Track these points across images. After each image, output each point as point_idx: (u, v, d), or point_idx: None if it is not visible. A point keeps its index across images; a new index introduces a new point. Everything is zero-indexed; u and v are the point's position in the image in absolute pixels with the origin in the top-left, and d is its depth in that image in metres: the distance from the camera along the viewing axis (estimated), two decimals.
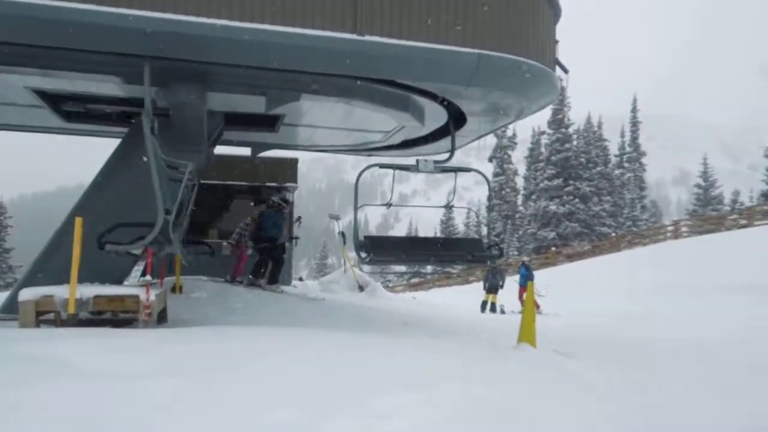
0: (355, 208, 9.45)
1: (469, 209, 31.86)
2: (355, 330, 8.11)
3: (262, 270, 11.90)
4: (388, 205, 10.10)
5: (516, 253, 45.41)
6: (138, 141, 9.31)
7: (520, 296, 18.36)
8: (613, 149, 53.24)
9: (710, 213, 43.79)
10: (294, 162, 14.98)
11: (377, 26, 7.91)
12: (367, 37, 7.81)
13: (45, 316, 6.88)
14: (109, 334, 5.35)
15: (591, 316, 15.05)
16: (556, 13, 9.26)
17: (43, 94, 8.92)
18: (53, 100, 9.29)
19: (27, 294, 6.35)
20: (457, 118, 10.29)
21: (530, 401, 4.59)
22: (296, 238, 14.62)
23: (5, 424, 3.15)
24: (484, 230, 51.92)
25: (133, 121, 9.54)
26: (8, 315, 8.02)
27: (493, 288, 19.40)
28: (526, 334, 6.82)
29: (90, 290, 6.46)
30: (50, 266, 8.52)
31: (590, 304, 18.77)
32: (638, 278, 22.99)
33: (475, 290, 22.63)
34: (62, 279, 7.73)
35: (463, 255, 9.69)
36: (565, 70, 9.54)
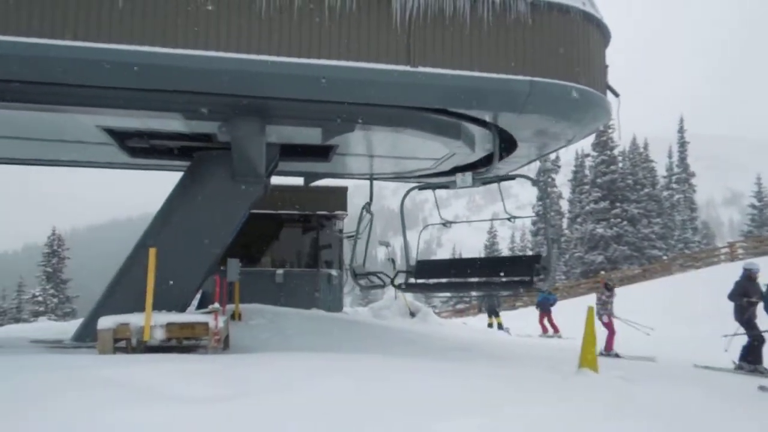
0: (404, 233, 9.58)
1: (539, 212, 31.30)
2: (411, 355, 8.20)
3: None
4: (446, 223, 10.05)
5: (564, 277, 44.66)
6: (199, 174, 9.76)
7: (540, 320, 18.99)
8: (660, 170, 52.19)
9: (766, 234, 42.30)
10: (343, 190, 15.26)
11: (429, 57, 8.16)
12: (420, 69, 8.06)
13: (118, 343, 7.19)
14: (182, 360, 5.58)
15: (650, 342, 14.70)
16: (605, 37, 9.32)
17: (111, 132, 9.40)
18: (120, 137, 9.78)
19: (105, 322, 6.68)
20: (506, 145, 10.39)
21: (594, 427, 4.57)
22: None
23: None
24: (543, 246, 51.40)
25: (195, 155, 9.94)
26: (82, 343, 8.40)
27: (492, 310, 20.15)
28: (588, 359, 6.78)
29: (163, 318, 6.75)
30: (119, 295, 8.89)
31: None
32: (694, 302, 22.32)
33: (524, 315, 22.42)
34: (130, 307, 8.10)
35: (521, 277, 9.20)
36: (616, 94, 9.57)
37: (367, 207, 10.84)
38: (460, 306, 41.05)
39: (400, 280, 10.37)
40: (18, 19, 7.00)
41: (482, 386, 5.51)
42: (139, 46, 7.37)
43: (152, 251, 6.85)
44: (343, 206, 15.15)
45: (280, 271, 13.37)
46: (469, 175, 9.50)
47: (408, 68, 8.04)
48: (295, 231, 14.96)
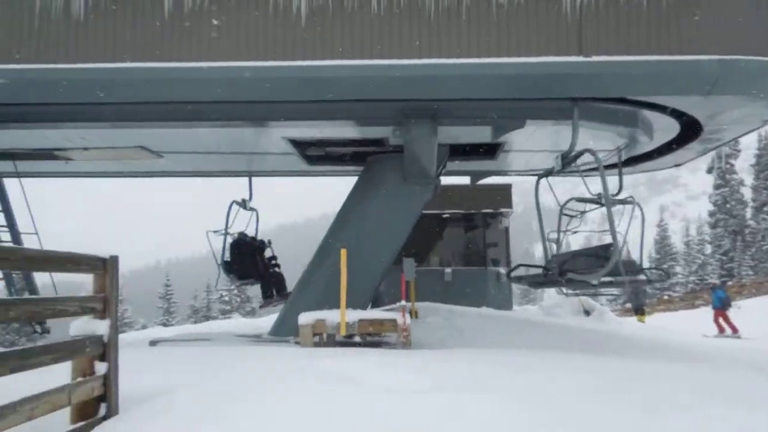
0: (540, 225, 9.24)
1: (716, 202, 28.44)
2: (593, 353, 7.92)
3: None
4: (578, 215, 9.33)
5: (751, 273, 40.38)
6: (372, 178, 10.22)
7: (716, 319, 17.80)
8: None
9: None
10: (507, 188, 15.11)
11: (603, 45, 7.85)
12: (594, 58, 7.79)
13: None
14: (379, 354, 5.90)
15: None
16: None
17: (294, 142, 10.16)
18: (301, 147, 10.53)
19: (305, 318, 7.26)
20: (685, 131, 9.71)
21: None
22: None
23: (332, 424, 3.67)
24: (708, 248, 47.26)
25: (367, 159, 10.43)
26: (278, 337, 9.20)
27: (638, 307, 19.38)
28: None
29: (355, 315, 7.17)
30: (307, 293, 9.60)
31: None
32: None
33: (704, 314, 20.71)
34: (316, 305, 8.71)
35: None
36: None
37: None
38: (629, 305, 38.70)
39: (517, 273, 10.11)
40: (227, 45, 7.82)
41: (690, 387, 5.20)
42: (320, 60, 7.92)
43: (343, 252, 7.33)
44: (508, 203, 15.01)
45: (448, 269, 13.57)
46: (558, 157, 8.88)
47: (580, 59, 7.82)
48: (460, 230, 15.10)
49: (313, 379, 4.43)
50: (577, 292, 10.20)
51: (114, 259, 4.14)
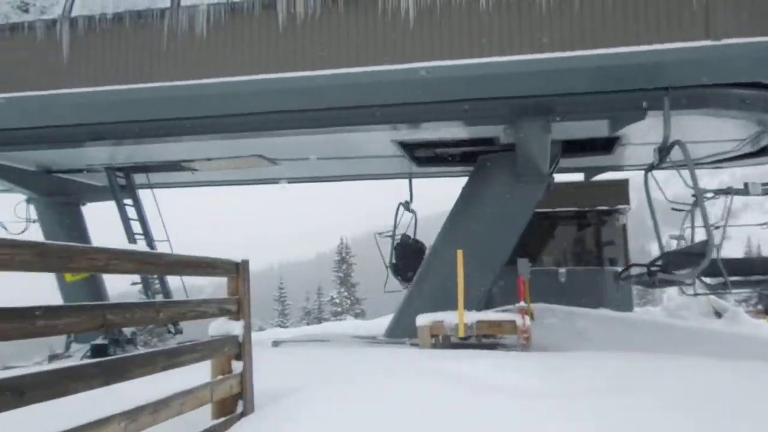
0: (654, 220, 8.62)
1: None
2: (732, 359, 7.33)
3: None
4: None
5: None
6: (483, 177, 10.09)
7: None
8: None
9: None
10: (624, 183, 14.39)
11: (733, 27, 7.29)
12: (724, 41, 7.25)
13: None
14: (499, 356, 5.79)
15: None
16: None
17: (403, 145, 10.24)
18: (410, 149, 10.59)
19: (423, 320, 7.29)
20: None
21: None
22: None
23: (454, 426, 3.63)
24: None
25: (477, 159, 10.31)
26: (393, 339, 9.30)
27: None
28: None
29: (473, 316, 7.10)
30: (421, 295, 9.62)
31: None
32: None
33: None
34: (430, 306, 8.70)
35: None
36: None
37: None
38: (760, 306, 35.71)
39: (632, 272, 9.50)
40: (337, 53, 8.04)
41: None
42: (428, 62, 7.93)
43: (459, 253, 7.28)
44: (625, 199, 14.29)
45: (562, 269, 13.12)
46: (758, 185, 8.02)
47: (708, 42, 7.30)
48: (573, 228, 14.55)
49: (436, 382, 4.40)
50: (705, 291, 9.50)
51: (245, 263, 4.34)
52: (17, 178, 11.31)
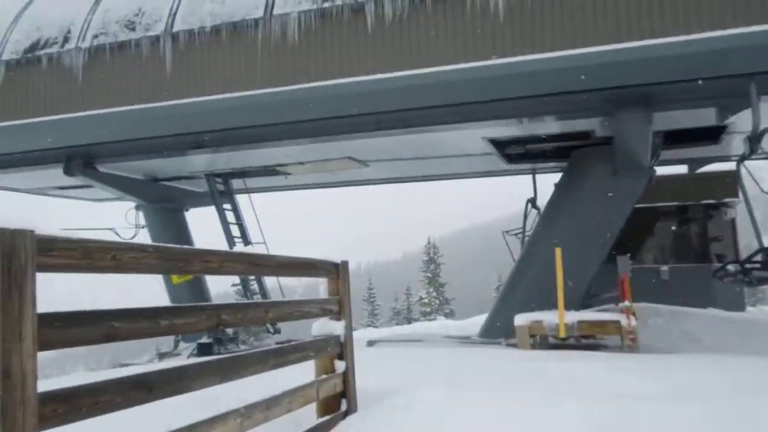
0: (749, 209, 7.93)
1: None
2: None
3: None
4: None
5: None
6: (579, 173, 9.74)
7: None
8: None
9: None
10: (732, 175, 13.44)
11: None
12: None
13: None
14: (607, 358, 5.56)
15: None
16: None
17: (494, 142, 10.07)
18: (501, 146, 10.40)
19: (521, 320, 7.13)
20: None
21: None
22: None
23: (565, 429, 3.50)
24: None
25: (572, 154, 9.98)
26: (487, 339, 9.17)
27: None
28: None
29: (573, 316, 6.87)
30: (514, 294, 9.43)
31: None
32: None
33: None
34: (525, 306, 8.51)
35: None
36: None
37: None
38: None
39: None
40: (426, 52, 8.03)
41: None
42: (521, 56, 7.75)
43: (557, 251, 7.07)
44: (734, 192, 13.35)
45: (664, 267, 12.45)
46: None
47: None
48: (677, 224, 13.76)
49: (541, 382, 4.28)
50: None
51: (345, 264, 4.40)
52: (127, 187, 12.07)
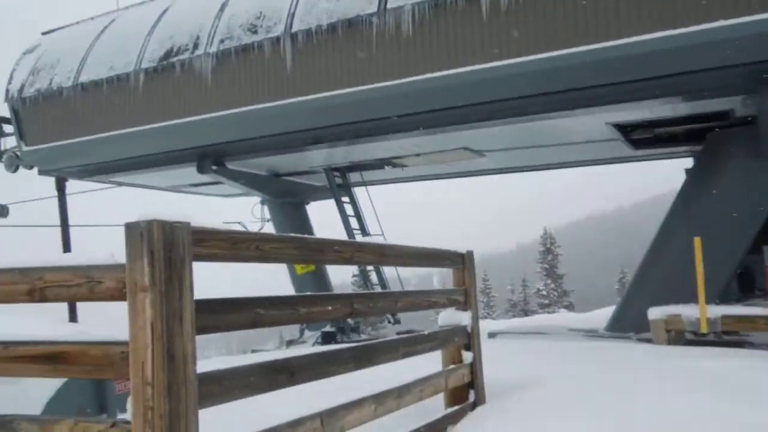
0: None
1: None
2: None
3: None
4: None
5: None
6: (715, 157, 9.03)
7: None
8: None
9: None
10: None
11: None
12: None
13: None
14: (761, 357, 5.13)
15: None
16: None
17: (618, 127, 9.56)
18: (625, 131, 9.86)
19: (656, 313, 6.76)
20: None
21: None
22: None
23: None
24: None
25: (707, 136, 9.26)
26: (615, 333, 8.75)
27: None
28: None
29: (717, 310, 6.41)
30: (645, 286, 8.92)
31: None
32: None
33: None
34: (656, 299, 8.01)
35: None
36: None
37: None
38: None
39: None
40: (546, 36, 7.78)
41: None
42: (643, 35, 7.30)
43: (697, 241, 6.61)
44: None
45: None
46: None
47: None
48: None
49: (685, 381, 4.02)
50: None
51: (470, 254, 4.36)
52: (253, 183, 12.71)
